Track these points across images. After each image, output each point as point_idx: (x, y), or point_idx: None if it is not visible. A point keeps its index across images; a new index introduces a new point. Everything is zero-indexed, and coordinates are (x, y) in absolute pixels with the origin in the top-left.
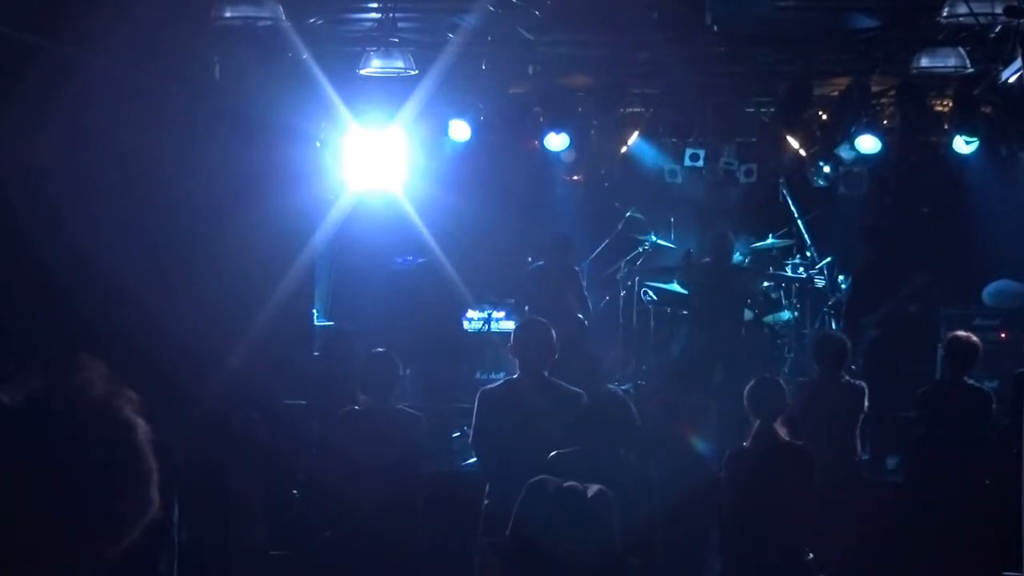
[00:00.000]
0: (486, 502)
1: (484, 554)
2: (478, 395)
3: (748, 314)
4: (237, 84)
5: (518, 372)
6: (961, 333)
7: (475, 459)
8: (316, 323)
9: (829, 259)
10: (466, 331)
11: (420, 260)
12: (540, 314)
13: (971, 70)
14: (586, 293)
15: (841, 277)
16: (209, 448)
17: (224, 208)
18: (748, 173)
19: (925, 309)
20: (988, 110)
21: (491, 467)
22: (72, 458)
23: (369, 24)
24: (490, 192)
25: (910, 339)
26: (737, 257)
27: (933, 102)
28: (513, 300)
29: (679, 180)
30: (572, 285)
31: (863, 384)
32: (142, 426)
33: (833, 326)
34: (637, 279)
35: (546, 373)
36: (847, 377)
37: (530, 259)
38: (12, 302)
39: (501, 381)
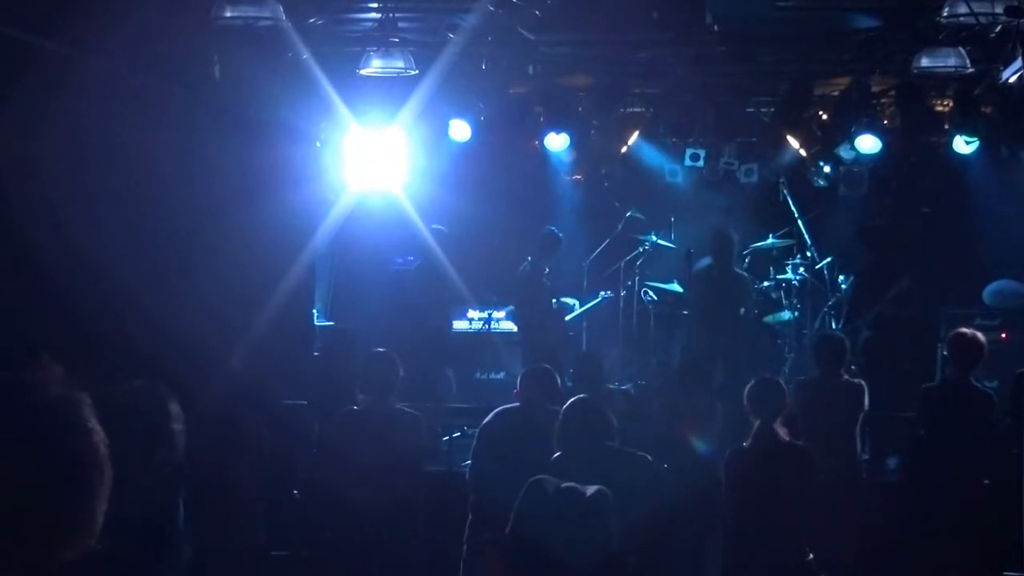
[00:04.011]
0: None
1: (473, 554)
2: (477, 432)
3: (745, 314)
4: (237, 84)
5: (519, 404)
6: (965, 330)
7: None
8: (316, 323)
9: (829, 259)
10: (463, 331)
11: (413, 260)
12: (533, 313)
13: (971, 70)
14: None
15: (841, 277)
16: (210, 448)
17: (224, 208)
18: (748, 173)
19: (920, 310)
20: (988, 110)
21: (488, 500)
22: (24, 456)
23: (369, 24)
24: (490, 192)
25: (906, 340)
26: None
27: (933, 102)
28: (512, 307)
29: (679, 180)
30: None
31: (862, 382)
32: (98, 430)
33: (833, 326)
34: (637, 279)
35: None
36: (846, 376)
37: (529, 258)
38: (12, 302)
39: (497, 412)
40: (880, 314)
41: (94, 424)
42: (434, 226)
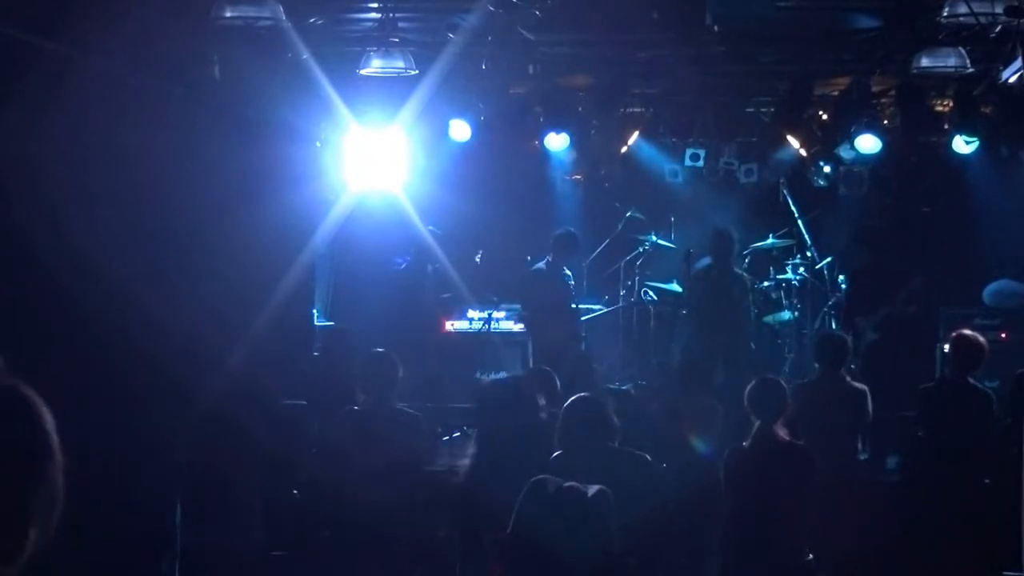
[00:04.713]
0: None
1: (468, 553)
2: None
3: (744, 314)
4: (237, 84)
5: None
6: (967, 332)
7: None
8: (316, 323)
9: (829, 259)
10: (463, 331)
11: (402, 261)
12: (545, 314)
13: (971, 70)
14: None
15: (841, 277)
16: (209, 448)
17: (224, 208)
18: (748, 173)
19: (922, 310)
20: (988, 110)
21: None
22: None
23: (369, 24)
24: (490, 192)
25: (909, 340)
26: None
27: (933, 102)
28: (519, 307)
29: (679, 180)
30: (568, 287)
31: (865, 388)
32: (50, 420)
33: (833, 326)
34: (637, 279)
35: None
36: (848, 379)
37: (529, 258)
38: (12, 302)
39: None
40: (888, 315)
41: (47, 414)
42: (428, 228)
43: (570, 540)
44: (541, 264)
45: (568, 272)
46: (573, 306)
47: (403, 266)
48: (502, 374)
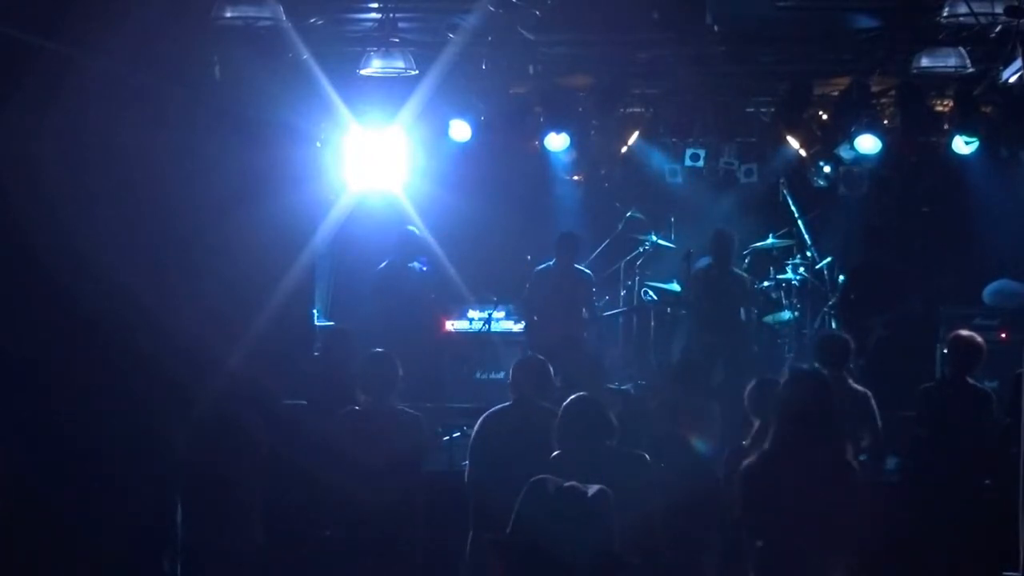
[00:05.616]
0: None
1: (474, 552)
2: (471, 437)
3: (744, 314)
4: (237, 84)
5: (510, 403)
6: (965, 332)
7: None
8: (316, 323)
9: (829, 259)
10: (463, 331)
11: (382, 264)
12: (546, 314)
13: (971, 70)
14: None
15: (841, 277)
16: (209, 448)
17: (224, 208)
18: (748, 173)
19: (923, 310)
20: (988, 110)
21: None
22: None
23: (369, 24)
24: (490, 192)
25: (912, 339)
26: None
27: (933, 102)
28: (516, 305)
29: (679, 180)
30: (580, 286)
31: (867, 392)
32: None
33: (833, 326)
34: (637, 279)
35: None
36: (850, 380)
37: (528, 258)
38: (12, 302)
39: (486, 415)
40: (899, 313)
41: None
42: (408, 227)
43: (570, 540)
44: (545, 265)
45: (587, 271)
46: (596, 304)
47: (383, 265)
48: (501, 374)
